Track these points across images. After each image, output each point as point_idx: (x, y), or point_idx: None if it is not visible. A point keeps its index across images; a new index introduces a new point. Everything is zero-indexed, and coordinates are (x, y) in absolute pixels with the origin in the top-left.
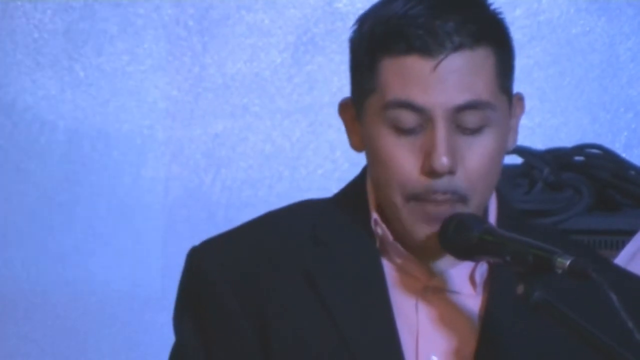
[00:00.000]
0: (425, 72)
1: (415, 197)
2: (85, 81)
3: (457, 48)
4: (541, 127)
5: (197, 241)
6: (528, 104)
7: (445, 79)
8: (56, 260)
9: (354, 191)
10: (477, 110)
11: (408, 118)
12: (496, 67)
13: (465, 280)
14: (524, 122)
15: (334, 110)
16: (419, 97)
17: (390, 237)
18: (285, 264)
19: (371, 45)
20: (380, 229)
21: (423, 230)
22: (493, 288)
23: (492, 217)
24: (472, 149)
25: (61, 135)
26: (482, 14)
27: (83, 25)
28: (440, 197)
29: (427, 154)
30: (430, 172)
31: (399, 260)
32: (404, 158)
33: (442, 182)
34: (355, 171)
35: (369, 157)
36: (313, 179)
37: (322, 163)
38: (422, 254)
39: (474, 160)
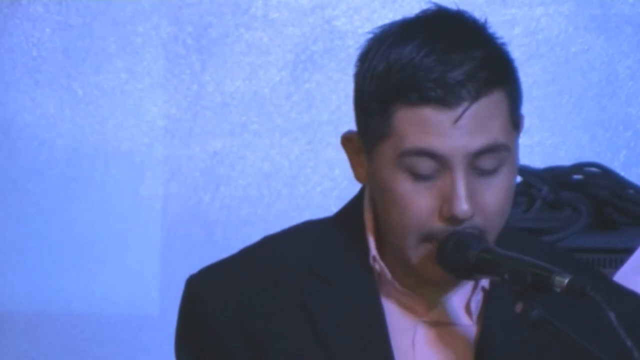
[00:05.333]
0: (443, 122)
1: (431, 237)
2: (84, 99)
3: (474, 99)
4: (540, 146)
5: (195, 260)
6: (527, 122)
7: (462, 126)
8: (54, 279)
9: (352, 217)
10: (493, 153)
11: (426, 165)
12: (509, 107)
13: (461, 311)
14: (522, 140)
15: (332, 128)
16: (438, 145)
17: (388, 275)
18: (283, 296)
19: (383, 92)
20: (379, 265)
21: (435, 272)
22: (488, 317)
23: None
24: (489, 189)
25: (60, 153)
26: (491, 53)
27: (82, 44)
28: None
29: (447, 200)
30: (451, 218)
31: (396, 294)
32: (422, 203)
33: (463, 224)
34: (354, 189)
35: (380, 197)
36: (312, 197)
37: (320, 181)
38: (418, 289)
39: (492, 200)
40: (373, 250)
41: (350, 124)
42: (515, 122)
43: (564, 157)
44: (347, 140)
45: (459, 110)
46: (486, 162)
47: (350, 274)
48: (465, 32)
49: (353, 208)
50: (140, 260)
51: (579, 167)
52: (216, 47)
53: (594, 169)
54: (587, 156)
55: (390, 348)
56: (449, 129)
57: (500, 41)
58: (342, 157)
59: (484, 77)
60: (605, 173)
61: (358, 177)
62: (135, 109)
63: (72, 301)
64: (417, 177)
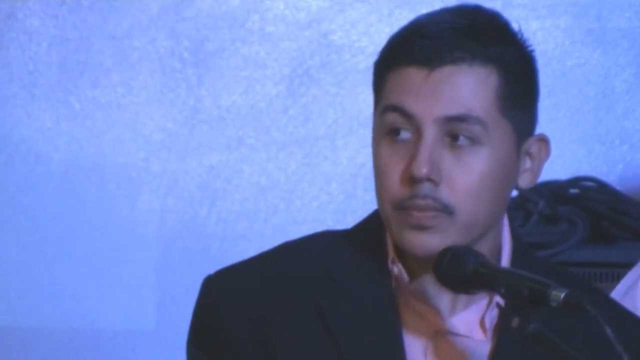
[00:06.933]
0: (420, 80)
1: (400, 205)
2: (81, 113)
3: (455, 61)
4: None
5: (191, 274)
6: None
7: (438, 89)
8: (51, 293)
9: (371, 226)
10: (467, 125)
11: (400, 124)
12: (499, 91)
13: (475, 326)
14: None
15: (329, 142)
16: (410, 103)
17: (405, 278)
18: (298, 298)
19: (383, 59)
20: (397, 268)
21: (410, 238)
22: (502, 333)
23: (506, 253)
24: (460, 165)
25: (56, 167)
26: (502, 42)
27: (78, 58)
28: (421, 202)
29: (410, 162)
30: (410, 178)
31: (412, 302)
32: (393, 166)
33: (423, 189)
34: (351, 204)
35: (374, 172)
36: (308, 211)
37: (317, 195)
38: (433, 298)
39: (461, 177)
40: (391, 253)
41: (346, 137)
42: (507, 113)
43: (561, 171)
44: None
45: (437, 70)
46: (459, 134)
47: (367, 278)
48: (492, 22)
49: (372, 217)
50: (136, 274)
51: (575, 181)
52: (213, 61)
53: (590, 183)
54: (584, 170)
55: (404, 355)
56: (423, 87)
57: (526, 45)
58: (338, 171)
59: (476, 49)
60: (602, 187)
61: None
62: (132, 123)
63: (68, 315)
64: (394, 140)
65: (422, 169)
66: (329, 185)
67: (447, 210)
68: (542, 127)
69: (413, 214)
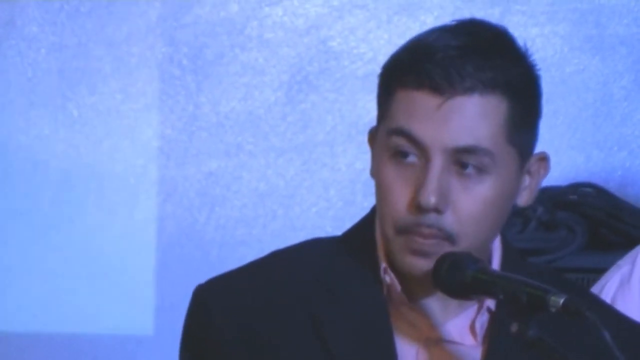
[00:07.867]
0: (430, 108)
1: (404, 230)
2: (79, 120)
3: (466, 91)
4: None
5: (190, 280)
6: None
7: (448, 119)
8: (49, 300)
9: (362, 233)
10: (475, 156)
11: (407, 148)
12: (507, 118)
13: (466, 331)
14: None
15: (328, 149)
16: (420, 131)
17: (398, 287)
18: (290, 306)
19: (389, 75)
20: (389, 277)
21: (411, 263)
22: (493, 338)
23: (497, 260)
24: (466, 193)
25: (54, 174)
26: (509, 63)
27: (77, 65)
28: (426, 231)
29: (417, 189)
30: (417, 207)
31: (403, 310)
32: (398, 190)
33: (429, 218)
34: (349, 210)
35: (375, 186)
36: (307, 218)
37: (316, 201)
38: (424, 306)
39: (466, 204)
40: (383, 263)
41: (344, 144)
42: (514, 141)
43: (559, 177)
44: (370, 136)
45: (449, 100)
46: (466, 164)
47: (360, 287)
48: (498, 41)
49: (363, 225)
50: (135, 281)
51: (574, 188)
52: (211, 67)
53: (589, 190)
54: (582, 176)
55: None
56: (433, 116)
57: (533, 65)
58: (337, 177)
59: (486, 77)
60: (601, 193)
61: (370, 171)
62: (130, 129)
63: (67, 322)
64: (400, 163)
65: (430, 199)
66: (327, 191)
67: (450, 238)
68: (541, 133)
69: (416, 239)
